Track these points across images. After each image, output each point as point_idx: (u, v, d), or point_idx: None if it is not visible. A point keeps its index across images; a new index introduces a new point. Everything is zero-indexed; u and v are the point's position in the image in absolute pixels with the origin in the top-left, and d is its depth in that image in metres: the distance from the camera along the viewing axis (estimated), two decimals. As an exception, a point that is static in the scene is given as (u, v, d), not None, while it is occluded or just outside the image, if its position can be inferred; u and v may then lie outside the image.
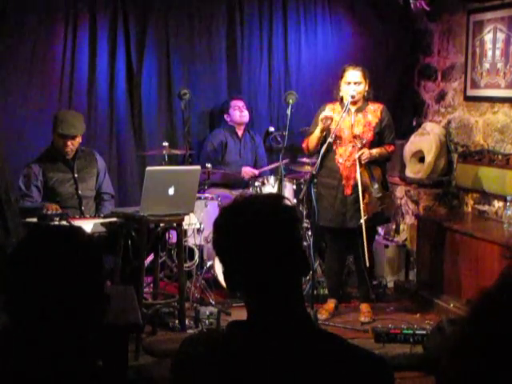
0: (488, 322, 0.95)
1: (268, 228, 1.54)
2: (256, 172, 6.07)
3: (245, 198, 1.66)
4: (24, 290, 1.60)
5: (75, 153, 5.19)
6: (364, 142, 5.02)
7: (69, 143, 5.05)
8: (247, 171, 6.11)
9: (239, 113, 6.21)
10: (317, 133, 5.05)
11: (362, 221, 4.92)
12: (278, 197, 1.65)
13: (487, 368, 0.92)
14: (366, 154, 4.97)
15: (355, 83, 5.02)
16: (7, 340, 1.62)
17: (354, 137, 5.00)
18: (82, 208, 5.17)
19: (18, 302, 1.61)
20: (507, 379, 0.91)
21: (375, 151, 5.04)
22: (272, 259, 1.53)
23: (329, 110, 5.01)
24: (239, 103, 6.22)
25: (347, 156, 5.04)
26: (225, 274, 1.59)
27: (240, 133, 6.30)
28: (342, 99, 5.11)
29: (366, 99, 5.13)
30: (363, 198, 4.96)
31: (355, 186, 5.00)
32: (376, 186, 5.00)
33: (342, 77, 5.08)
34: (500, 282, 0.99)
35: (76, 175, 5.18)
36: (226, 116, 6.27)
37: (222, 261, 1.59)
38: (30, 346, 1.58)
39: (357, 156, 4.96)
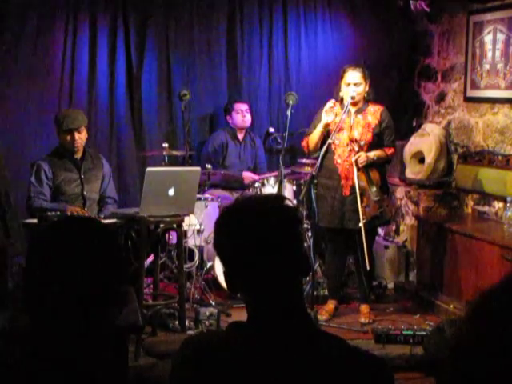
0: (484, 322, 0.96)
1: (269, 228, 1.53)
2: (256, 177, 6.06)
3: (246, 198, 1.66)
4: (44, 284, 1.60)
5: (83, 154, 5.20)
6: (362, 144, 5.00)
7: (76, 137, 5.06)
8: (248, 176, 6.10)
9: (241, 117, 6.20)
10: (319, 128, 5.03)
11: (361, 224, 4.92)
12: (279, 197, 1.65)
13: (483, 369, 0.93)
14: (363, 157, 4.95)
15: (355, 84, 5.01)
16: (7, 340, 1.62)
17: (351, 140, 4.99)
18: (86, 209, 5.17)
19: (37, 298, 1.61)
20: (503, 379, 0.91)
21: (373, 154, 5.02)
22: (273, 260, 1.53)
23: (328, 113, 4.98)
24: (242, 107, 6.21)
25: (346, 157, 5.04)
26: (225, 274, 1.59)
27: (241, 136, 6.30)
28: (342, 100, 5.10)
29: (367, 100, 5.12)
30: (361, 202, 4.96)
31: (354, 187, 4.99)
32: (374, 189, 4.99)
33: (342, 77, 5.07)
34: (500, 283, 1.00)
35: (82, 176, 5.18)
36: (227, 118, 6.27)
37: (222, 261, 1.59)
38: (32, 346, 1.58)
39: (353, 159, 4.95)
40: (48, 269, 1.60)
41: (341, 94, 5.09)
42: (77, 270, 1.59)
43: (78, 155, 5.18)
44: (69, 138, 5.07)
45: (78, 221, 1.82)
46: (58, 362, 1.57)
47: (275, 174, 5.83)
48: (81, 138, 5.10)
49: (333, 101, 5.06)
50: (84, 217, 2.03)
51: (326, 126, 4.98)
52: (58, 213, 4.70)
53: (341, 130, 4.99)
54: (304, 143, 5.23)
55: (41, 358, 1.57)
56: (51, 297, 1.59)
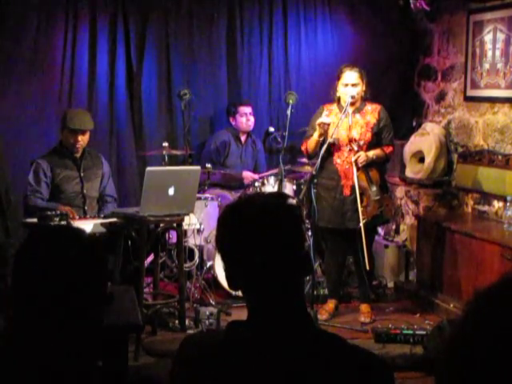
0: (481, 322, 0.96)
1: (270, 226, 1.53)
2: (256, 177, 6.07)
3: (249, 195, 1.66)
4: (27, 289, 1.61)
5: (82, 152, 5.21)
6: (361, 143, 5.01)
7: (79, 138, 5.08)
8: (247, 176, 6.11)
9: (245, 121, 6.20)
10: (315, 137, 5.05)
11: (361, 224, 4.92)
12: (282, 195, 1.64)
13: (480, 368, 0.93)
14: (363, 157, 4.95)
15: (352, 85, 5.02)
16: (7, 341, 1.63)
17: (350, 140, 4.99)
18: (86, 208, 5.18)
19: (21, 301, 1.61)
20: (500, 378, 0.91)
21: (372, 153, 5.03)
22: (274, 258, 1.53)
23: (326, 117, 5.00)
24: (247, 110, 6.21)
25: (345, 157, 5.04)
26: (226, 271, 1.59)
27: (243, 138, 6.31)
28: (339, 100, 5.11)
29: (364, 99, 5.12)
30: (361, 202, 4.96)
31: (354, 187, 4.99)
32: (374, 188, 5.00)
33: (339, 78, 5.08)
34: (497, 282, 1.00)
35: (82, 174, 5.20)
36: (231, 119, 6.26)
37: (223, 258, 1.58)
38: (30, 347, 1.58)
39: (353, 159, 4.96)
40: (33, 274, 1.61)
41: (338, 94, 5.09)
42: (61, 276, 1.60)
43: (78, 154, 5.20)
44: (72, 139, 5.08)
45: (60, 230, 1.83)
46: (50, 362, 1.57)
47: (275, 171, 5.84)
48: (83, 140, 5.12)
49: (325, 110, 5.08)
50: (66, 226, 2.02)
51: (323, 125, 4.95)
52: (58, 212, 4.70)
53: (339, 130, 4.98)
54: (303, 148, 5.24)
55: (37, 358, 1.57)
56: (38, 300, 1.60)
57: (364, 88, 5.07)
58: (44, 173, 5.10)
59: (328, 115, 5.05)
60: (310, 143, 5.12)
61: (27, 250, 1.66)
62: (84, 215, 5.06)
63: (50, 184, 5.12)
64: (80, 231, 1.76)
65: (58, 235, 1.71)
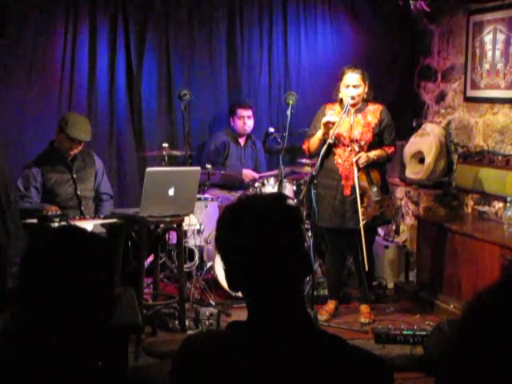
0: (481, 322, 0.96)
1: (270, 227, 1.53)
2: (256, 176, 6.06)
3: (248, 196, 1.66)
4: (35, 291, 1.61)
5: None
6: (362, 143, 5.01)
7: (75, 147, 5.08)
8: (248, 174, 6.10)
9: (242, 124, 6.17)
10: (318, 135, 5.04)
11: (361, 225, 4.92)
12: (281, 196, 1.64)
13: (482, 368, 0.93)
14: (364, 157, 4.95)
15: (354, 86, 5.02)
16: (7, 340, 1.63)
17: (351, 140, 4.99)
18: (82, 208, 5.18)
19: (29, 302, 1.62)
20: (501, 378, 0.91)
21: (373, 154, 5.03)
22: (273, 258, 1.53)
23: (332, 115, 5.00)
24: (245, 113, 6.17)
25: (346, 157, 5.04)
26: (226, 272, 1.59)
27: (242, 140, 6.30)
28: (341, 100, 5.11)
29: (366, 100, 5.12)
30: (362, 202, 4.96)
31: (354, 187, 4.99)
32: (375, 189, 5.00)
33: (341, 79, 5.08)
34: (496, 283, 1.00)
35: (74, 176, 5.19)
36: (231, 120, 6.26)
37: (223, 259, 1.58)
38: (33, 346, 1.58)
39: (354, 160, 4.96)
40: (40, 276, 1.61)
41: (340, 95, 5.09)
42: (68, 278, 1.60)
43: (69, 157, 5.19)
44: (67, 145, 5.08)
45: (69, 231, 1.83)
46: (55, 361, 1.57)
47: (275, 172, 5.84)
48: (78, 149, 5.13)
49: (329, 109, 5.09)
50: (74, 226, 2.01)
51: (328, 124, 4.95)
52: (58, 213, 4.70)
53: (340, 130, 4.99)
54: (305, 146, 5.23)
55: (38, 358, 1.57)
56: (45, 301, 1.60)
57: (366, 89, 5.06)
58: (34, 178, 5.08)
59: (332, 114, 5.05)
60: (313, 142, 5.11)
61: (35, 252, 1.66)
62: (81, 216, 5.05)
63: (40, 189, 5.11)
64: (88, 233, 1.76)
65: (65, 237, 1.71)
